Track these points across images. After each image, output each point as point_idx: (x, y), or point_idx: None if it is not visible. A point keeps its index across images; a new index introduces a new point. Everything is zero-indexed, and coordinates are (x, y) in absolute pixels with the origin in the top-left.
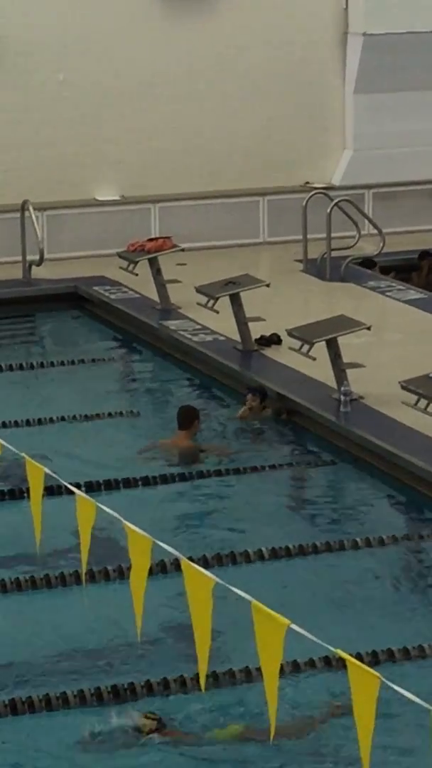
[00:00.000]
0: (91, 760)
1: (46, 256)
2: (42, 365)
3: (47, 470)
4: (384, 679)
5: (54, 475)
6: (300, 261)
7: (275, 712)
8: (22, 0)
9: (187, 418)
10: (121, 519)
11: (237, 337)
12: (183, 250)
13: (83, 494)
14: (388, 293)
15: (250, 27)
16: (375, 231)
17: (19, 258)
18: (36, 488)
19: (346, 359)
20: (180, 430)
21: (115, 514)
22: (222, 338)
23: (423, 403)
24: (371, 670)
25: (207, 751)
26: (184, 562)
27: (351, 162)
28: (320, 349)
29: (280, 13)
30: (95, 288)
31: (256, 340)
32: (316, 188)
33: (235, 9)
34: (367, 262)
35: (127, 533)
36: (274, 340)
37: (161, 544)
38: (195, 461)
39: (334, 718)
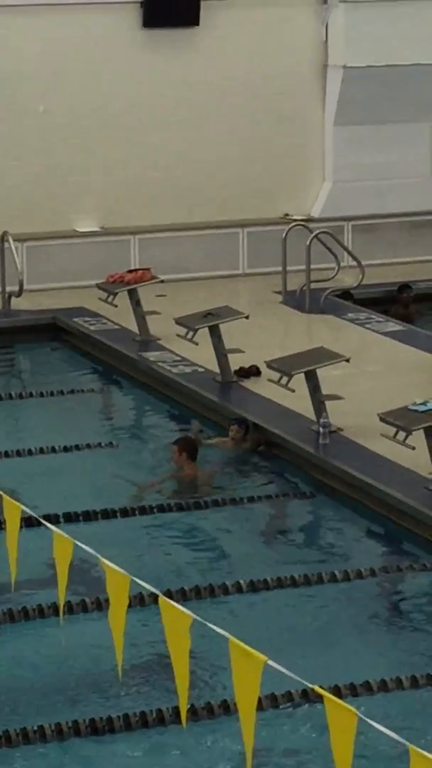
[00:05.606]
0: None
1: (25, 287)
2: (21, 396)
3: (25, 507)
4: (362, 716)
5: (31, 512)
6: (279, 293)
7: (252, 748)
8: (3, 30)
9: (196, 448)
10: (98, 556)
11: (216, 368)
12: (162, 281)
13: (60, 531)
14: (367, 325)
15: (230, 59)
16: (354, 263)
17: None
18: (12, 526)
19: (325, 391)
20: (190, 461)
21: (92, 551)
22: (201, 370)
23: (401, 435)
24: (348, 706)
25: None
26: (161, 599)
27: (330, 194)
28: (299, 380)
29: (260, 46)
30: (74, 319)
31: (235, 371)
32: (295, 220)
33: (216, 41)
34: (345, 295)
35: (105, 571)
36: (253, 371)
37: (138, 581)
38: (205, 490)
39: None
